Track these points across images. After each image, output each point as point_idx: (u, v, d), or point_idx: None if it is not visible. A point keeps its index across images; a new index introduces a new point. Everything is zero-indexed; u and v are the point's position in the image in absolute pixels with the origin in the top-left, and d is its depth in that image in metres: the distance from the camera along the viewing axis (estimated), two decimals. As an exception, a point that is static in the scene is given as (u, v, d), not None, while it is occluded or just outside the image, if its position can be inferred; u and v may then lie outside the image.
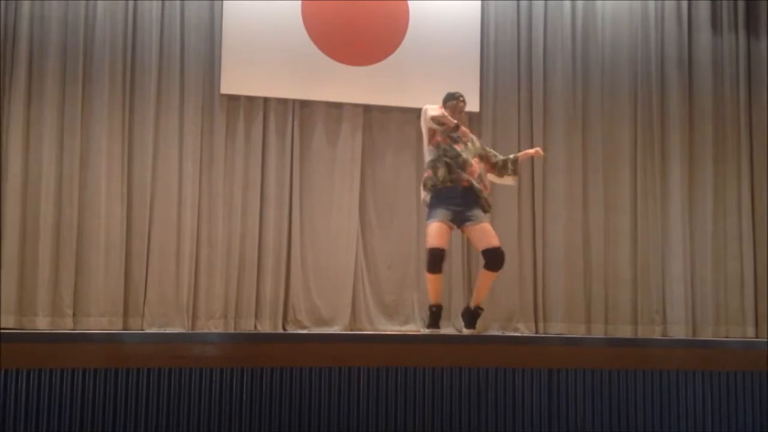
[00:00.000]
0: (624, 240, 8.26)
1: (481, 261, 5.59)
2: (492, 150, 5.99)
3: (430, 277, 5.60)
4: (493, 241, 5.49)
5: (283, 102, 7.84)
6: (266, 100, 7.81)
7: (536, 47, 8.33)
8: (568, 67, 8.36)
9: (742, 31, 8.63)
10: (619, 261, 8.22)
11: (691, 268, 8.28)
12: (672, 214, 8.34)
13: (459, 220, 5.54)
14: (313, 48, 7.81)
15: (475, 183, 5.56)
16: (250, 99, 7.78)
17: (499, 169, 5.89)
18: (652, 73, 8.46)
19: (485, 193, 5.63)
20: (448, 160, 5.55)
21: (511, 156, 5.93)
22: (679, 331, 8.09)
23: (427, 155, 5.68)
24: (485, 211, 5.64)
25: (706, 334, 8.09)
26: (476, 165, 5.64)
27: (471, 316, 5.65)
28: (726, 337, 8.00)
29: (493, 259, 5.48)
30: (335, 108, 7.95)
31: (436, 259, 5.49)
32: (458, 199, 5.52)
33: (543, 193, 8.18)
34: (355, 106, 7.96)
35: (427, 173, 5.62)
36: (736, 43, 8.63)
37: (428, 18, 8.05)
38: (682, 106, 8.46)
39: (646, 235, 8.29)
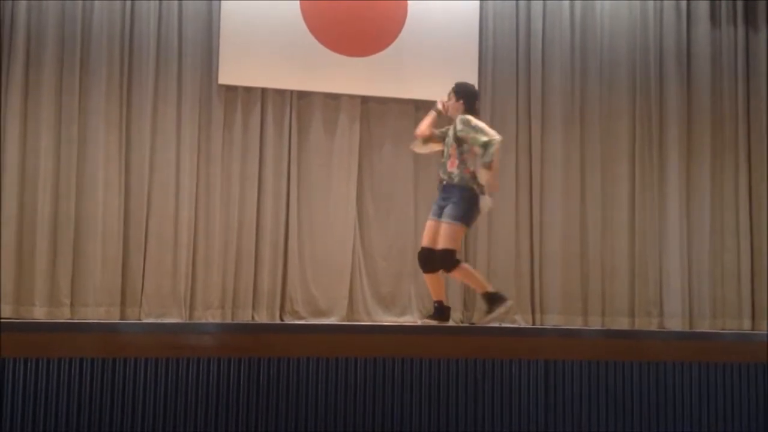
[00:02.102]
0: (621, 233, 8.27)
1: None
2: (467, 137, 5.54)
3: (427, 278, 5.64)
4: (425, 242, 5.52)
5: (280, 93, 7.83)
6: (264, 90, 7.80)
7: (535, 39, 8.31)
8: (567, 59, 8.35)
9: (740, 25, 8.62)
10: (616, 254, 8.23)
11: (688, 261, 8.29)
12: (669, 207, 8.35)
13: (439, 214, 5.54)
14: (311, 39, 7.80)
15: (454, 177, 5.47)
16: (248, 90, 7.76)
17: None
18: (651, 67, 8.46)
19: (465, 181, 5.47)
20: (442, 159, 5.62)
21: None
22: (675, 324, 8.11)
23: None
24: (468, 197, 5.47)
25: (703, 327, 8.12)
26: (453, 155, 5.51)
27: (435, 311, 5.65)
28: (722, 330, 8.02)
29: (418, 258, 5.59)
30: (333, 99, 7.94)
31: (418, 258, 5.58)
32: (442, 192, 5.55)
33: (541, 186, 8.18)
34: (353, 97, 7.95)
35: None
36: (735, 36, 8.62)
37: (427, 9, 8.03)
38: (681, 99, 8.46)
39: (644, 228, 8.30)
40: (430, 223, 5.56)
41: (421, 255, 5.56)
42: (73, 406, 3.58)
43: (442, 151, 5.66)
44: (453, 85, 5.77)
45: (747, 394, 4.24)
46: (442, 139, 5.71)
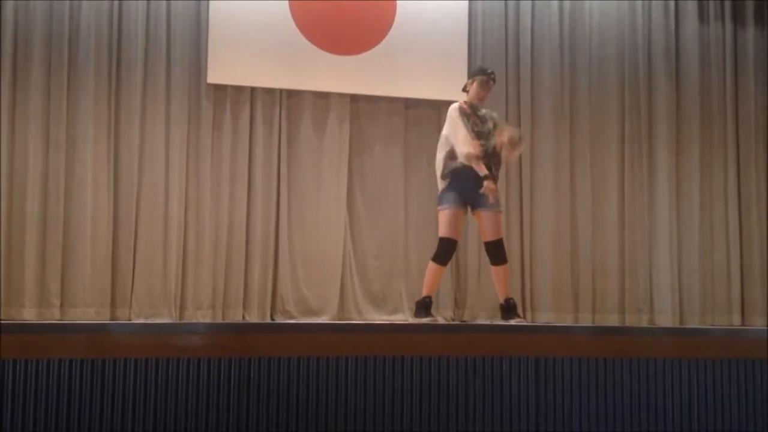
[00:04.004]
0: (611, 229, 8.29)
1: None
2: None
3: (438, 269, 5.54)
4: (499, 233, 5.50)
5: (270, 92, 7.81)
6: (253, 89, 7.78)
7: (524, 38, 8.32)
8: (556, 57, 8.36)
9: (728, 22, 8.66)
10: (606, 250, 8.25)
11: (678, 257, 8.32)
12: (659, 203, 8.38)
13: (474, 203, 5.46)
14: (300, 37, 7.78)
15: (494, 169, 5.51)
16: (237, 89, 7.75)
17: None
18: (640, 64, 8.48)
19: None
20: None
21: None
22: (666, 320, 8.14)
23: (447, 146, 5.62)
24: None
25: (693, 323, 8.15)
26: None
27: (506, 309, 5.57)
28: (712, 326, 8.05)
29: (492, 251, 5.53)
30: (322, 98, 7.93)
31: (449, 251, 5.45)
32: (474, 179, 5.44)
33: (530, 184, 8.19)
34: (343, 95, 7.94)
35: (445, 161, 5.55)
36: (723, 33, 8.66)
37: (416, 7, 8.03)
38: (669, 96, 8.49)
39: (634, 224, 8.32)
40: (492, 213, 5.51)
41: (498, 247, 5.51)
42: (63, 407, 3.56)
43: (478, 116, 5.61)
44: (492, 73, 5.73)
45: (737, 391, 4.26)
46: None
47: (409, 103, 7.95)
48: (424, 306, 5.57)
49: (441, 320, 7.38)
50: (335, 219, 7.85)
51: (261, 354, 3.81)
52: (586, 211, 8.26)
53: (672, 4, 8.60)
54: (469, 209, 5.63)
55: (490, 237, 5.48)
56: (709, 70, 8.61)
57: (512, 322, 5.48)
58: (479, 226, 5.60)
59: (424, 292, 5.59)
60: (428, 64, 7.90)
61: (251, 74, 7.71)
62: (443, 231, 5.47)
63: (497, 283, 5.64)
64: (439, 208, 5.52)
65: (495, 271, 5.60)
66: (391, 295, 7.89)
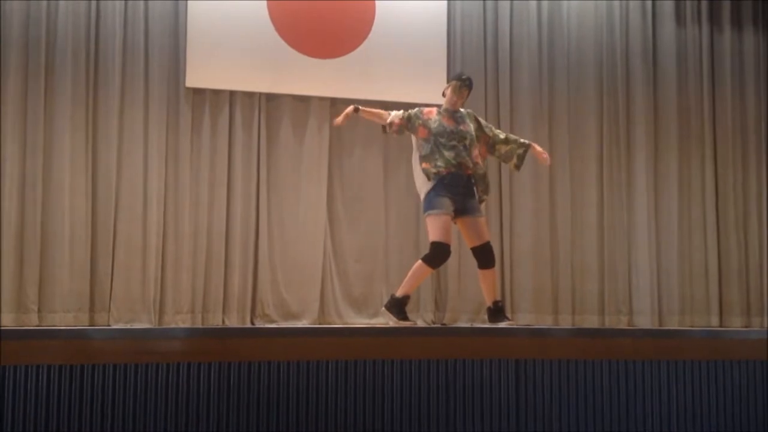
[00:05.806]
0: (590, 231, 8.33)
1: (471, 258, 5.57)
2: (494, 130, 5.84)
3: (427, 271, 5.51)
4: (485, 237, 5.47)
5: (249, 95, 7.79)
6: (232, 93, 7.76)
7: (502, 40, 8.35)
8: (534, 59, 8.40)
9: (705, 24, 8.74)
10: (586, 252, 8.29)
11: (656, 258, 8.37)
12: (637, 205, 8.43)
13: (458, 210, 5.43)
14: (279, 41, 7.78)
15: (478, 169, 5.52)
16: (216, 92, 7.73)
17: (501, 156, 5.83)
18: (618, 66, 8.54)
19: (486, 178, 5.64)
20: (454, 143, 5.47)
21: (521, 144, 5.83)
22: (645, 322, 8.18)
23: (419, 150, 5.57)
24: (481, 200, 5.61)
25: (672, 324, 8.20)
26: (476, 150, 5.57)
27: (494, 312, 5.52)
28: (691, 327, 8.10)
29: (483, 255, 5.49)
30: (302, 101, 7.92)
31: (444, 256, 5.39)
32: (461, 187, 5.44)
33: (510, 186, 8.22)
34: (322, 99, 7.93)
35: (424, 164, 5.48)
36: (700, 36, 8.73)
37: (395, 10, 8.05)
38: (647, 98, 8.55)
39: (613, 226, 8.37)
40: (478, 219, 5.49)
41: (488, 250, 5.47)
42: (41, 414, 3.53)
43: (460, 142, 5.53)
44: (467, 80, 5.64)
45: (716, 392, 4.29)
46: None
47: (388, 107, 7.89)
48: (399, 305, 5.48)
49: (421, 323, 7.38)
50: (315, 222, 7.84)
51: (241, 359, 3.80)
52: (565, 212, 8.30)
53: (649, 5, 8.67)
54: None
55: (478, 241, 5.45)
56: (686, 71, 8.67)
57: (502, 324, 5.39)
58: (465, 233, 5.53)
59: (404, 292, 5.48)
60: (407, 67, 7.91)
61: (230, 78, 7.69)
62: (438, 236, 5.32)
63: (485, 286, 5.54)
64: (432, 212, 5.36)
65: (483, 274, 5.51)
66: (371, 298, 7.88)
